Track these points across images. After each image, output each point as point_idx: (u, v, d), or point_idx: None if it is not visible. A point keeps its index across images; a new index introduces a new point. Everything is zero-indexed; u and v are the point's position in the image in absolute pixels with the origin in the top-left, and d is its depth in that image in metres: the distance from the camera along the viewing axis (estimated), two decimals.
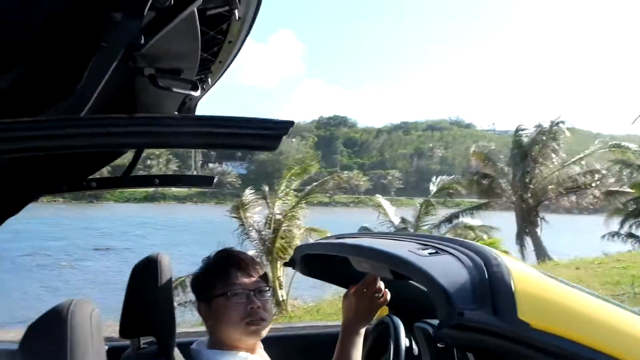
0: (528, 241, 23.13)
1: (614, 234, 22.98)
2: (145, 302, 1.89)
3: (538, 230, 23.22)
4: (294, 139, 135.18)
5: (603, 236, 23.30)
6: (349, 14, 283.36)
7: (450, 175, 23.54)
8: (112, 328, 2.05)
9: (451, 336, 1.14)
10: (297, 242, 14.77)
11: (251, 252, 14.85)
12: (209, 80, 1.88)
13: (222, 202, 71.76)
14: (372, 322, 2.16)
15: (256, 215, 15.62)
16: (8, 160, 1.57)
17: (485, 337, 1.13)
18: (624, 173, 22.97)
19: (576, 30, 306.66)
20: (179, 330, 1.96)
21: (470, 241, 1.47)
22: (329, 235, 13.92)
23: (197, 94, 1.72)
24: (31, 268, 28.07)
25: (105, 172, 2.43)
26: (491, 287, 1.16)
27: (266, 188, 16.87)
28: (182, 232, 44.83)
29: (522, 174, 23.20)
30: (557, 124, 23.57)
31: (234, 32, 1.62)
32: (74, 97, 1.30)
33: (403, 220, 19.47)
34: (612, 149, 23.29)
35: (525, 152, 23.46)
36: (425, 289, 1.26)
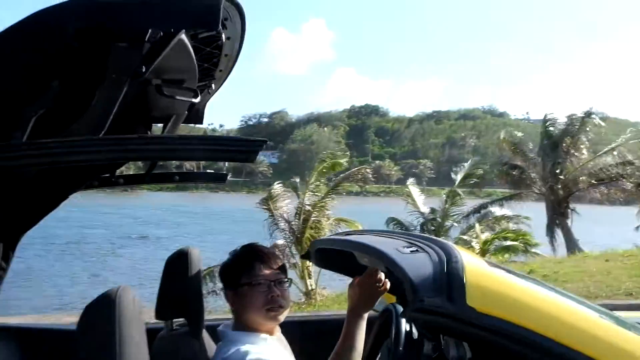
0: (558, 233, 22.87)
1: None
2: (178, 289, 2.20)
3: (568, 221, 22.89)
4: (325, 128, 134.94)
5: (637, 227, 23.02)
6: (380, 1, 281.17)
7: (483, 164, 23.35)
8: (147, 312, 2.37)
9: (414, 317, 1.47)
10: (326, 232, 14.96)
11: (280, 242, 15.17)
12: (213, 86, 2.16)
13: (253, 192, 72.38)
14: (378, 310, 2.45)
15: (285, 206, 15.84)
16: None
17: (441, 318, 1.44)
18: None
19: (611, 16, 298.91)
20: (214, 316, 2.28)
21: (444, 241, 1.76)
22: (357, 225, 14.13)
23: (196, 100, 2.02)
24: (71, 256, 28.92)
25: (131, 168, 2.78)
26: (448, 280, 1.46)
27: (297, 179, 17.14)
28: (215, 221, 45.69)
29: (553, 165, 22.87)
30: (590, 114, 23.21)
31: (227, 48, 1.88)
32: (95, 118, 1.59)
33: (432, 210, 19.42)
34: None
35: (555, 142, 23.10)
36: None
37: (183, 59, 1.69)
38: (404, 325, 2.32)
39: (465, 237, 17.51)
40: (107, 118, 1.55)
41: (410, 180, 22.03)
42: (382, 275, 2.09)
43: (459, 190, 19.70)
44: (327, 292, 14.57)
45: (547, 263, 14.18)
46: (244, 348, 2.04)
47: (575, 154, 23.11)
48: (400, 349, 2.24)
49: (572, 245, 21.47)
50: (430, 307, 1.43)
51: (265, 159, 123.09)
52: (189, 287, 2.22)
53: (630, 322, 1.92)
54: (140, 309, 1.73)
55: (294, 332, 2.38)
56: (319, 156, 16.90)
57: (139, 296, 1.76)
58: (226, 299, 2.24)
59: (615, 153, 22.89)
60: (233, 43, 1.86)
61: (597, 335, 1.47)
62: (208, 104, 2.30)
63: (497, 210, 20.77)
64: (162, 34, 1.47)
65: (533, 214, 21.69)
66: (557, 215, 22.94)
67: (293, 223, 15.53)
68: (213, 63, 1.96)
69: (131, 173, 2.74)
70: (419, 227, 19.14)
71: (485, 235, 17.02)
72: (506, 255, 16.73)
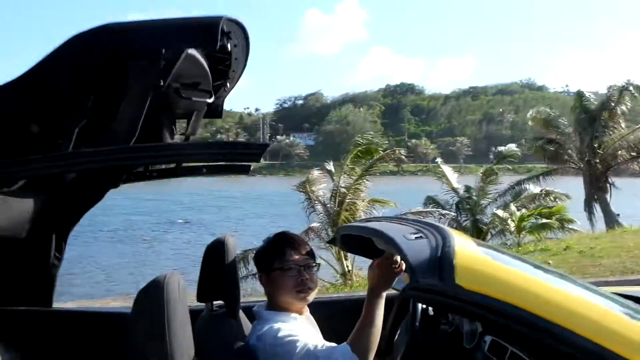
0: (597, 208, 22.46)
1: None
2: (216, 274, 2.45)
3: (607, 196, 22.46)
4: (361, 108, 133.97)
5: None
6: None
7: (520, 140, 23.05)
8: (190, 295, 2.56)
9: (411, 294, 1.74)
10: (361, 214, 15.14)
11: (316, 225, 15.42)
12: (228, 84, 2.41)
13: (290, 174, 72.72)
14: (398, 289, 2.69)
15: (321, 189, 16.03)
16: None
17: (433, 295, 1.72)
18: None
19: None
20: (253, 299, 2.56)
21: (444, 228, 2.00)
22: (391, 205, 14.23)
23: (210, 100, 2.31)
24: (119, 242, 29.78)
25: None
26: (440, 262, 1.71)
27: (331, 163, 17.19)
28: (254, 205, 46.38)
29: (591, 139, 22.41)
30: (627, 87, 22.65)
31: (236, 53, 2.13)
32: (125, 128, 1.88)
33: (467, 189, 19.38)
34: None
35: (593, 116, 22.68)
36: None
37: (195, 67, 1.96)
38: (421, 305, 2.56)
39: (500, 214, 17.42)
40: (136, 128, 1.84)
41: (440, 160, 21.89)
42: (397, 258, 2.16)
43: (495, 168, 19.56)
44: (364, 273, 14.72)
45: (583, 239, 14.07)
46: (276, 326, 2.27)
47: (614, 126, 22.60)
48: (417, 324, 2.49)
49: (610, 221, 21.04)
50: (424, 286, 1.69)
51: (301, 142, 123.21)
52: (226, 273, 2.45)
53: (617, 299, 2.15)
54: (185, 293, 1.95)
55: (322, 311, 2.63)
56: (354, 139, 16.76)
57: (184, 279, 2.00)
58: (260, 282, 2.50)
59: None
60: (239, 49, 2.11)
61: (570, 307, 1.70)
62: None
63: (534, 187, 20.45)
64: (170, 51, 1.74)
65: (571, 189, 21.36)
66: (596, 190, 22.46)
67: (328, 205, 15.70)
68: (226, 65, 2.19)
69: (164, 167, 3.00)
70: (454, 206, 19.26)
71: (521, 213, 16.95)
72: (542, 233, 16.68)
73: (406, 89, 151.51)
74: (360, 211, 15.40)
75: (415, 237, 1.92)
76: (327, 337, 2.39)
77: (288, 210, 18.58)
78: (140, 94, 1.78)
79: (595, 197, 22.48)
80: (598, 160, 22.45)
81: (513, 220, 16.55)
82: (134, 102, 1.80)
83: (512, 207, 17.46)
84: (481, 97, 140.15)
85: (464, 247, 1.79)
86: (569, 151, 23.13)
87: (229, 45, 1.86)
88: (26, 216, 2.48)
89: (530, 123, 23.48)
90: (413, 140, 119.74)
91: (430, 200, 19.78)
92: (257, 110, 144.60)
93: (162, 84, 1.76)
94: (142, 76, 1.75)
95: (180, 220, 37.27)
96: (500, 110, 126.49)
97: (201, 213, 42.18)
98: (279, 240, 2.48)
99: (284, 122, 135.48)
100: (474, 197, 18.91)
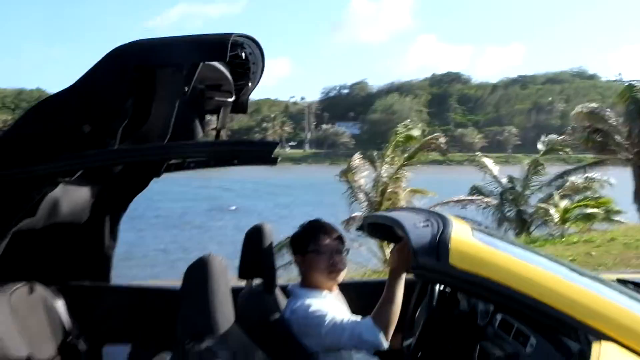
0: None
1: None
2: (255, 256, 2.76)
3: None
4: (407, 97, 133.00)
5: None
6: None
7: (569, 130, 22.56)
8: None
9: (414, 272, 2.11)
10: (403, 203, 15.31)
11: (358, 214, 15.58)
12: (250, 84, 2.64)
13: (336, 163, 72.95)
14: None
15: (363, 178, 16.16)
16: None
17: (431, 273, 2.03)
18: None
19: None
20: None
21: (448, 217, 2.29)
22: (430, 195, 14.31)
23: (230, 99, 2.65)
24: (171, 227, 30.88)
25: None
26: (437, 246, 2.01)
27: (374, 153, 17.37)
28: (300, 193, 47.03)
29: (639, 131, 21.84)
30: None
31: (252, 58, 2.41)
32: (160, 127, 2.17)
33: (510, 179, 19.40)
34: None
35: None
36: None
37: (215, 73, 2.29)
38: (438, 285, 2.85)
39: (544, 205, 17.36)
40: (168, 126, 2.17)
41: (479, 154, 21.72)
42: None
43: (543, 159, 19.44)
44: None
45: (630, 231, 13.88)
46: (307, 301, 2.55)
47: None
48: (434, 303, 2.77)
49: None
50: (423, 265, 2.00)
51: (346, 130, 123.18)
52: (264, 254, 2.74)
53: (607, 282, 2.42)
54: (225, 270, 2.18)
55: (352, 291, 2.94)
56: (396, 128, 16.70)
57: (231, 264, 2.26)
58: (295, 262, 2.81)
59: None
60: (256, 55, 2.40)
61: (553, 287, 1.97)
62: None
63: (579, 178, 20.08)
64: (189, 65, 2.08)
65: (619, 180, 20.96)
66: None
67: (370, 195, 15.88)
68: (246, 68, 2.45)
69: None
70: (499, 196, 19.26)
71: (565, 204, 16.86)
72: (588, 224, 16.51)
73: (453, 78, 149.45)
74: (402, 200, 15.59)
75: (423, 226, 2.19)
76: (354, 313, 2.64)
77: (332, 199, 18.84)
78: (168, 98, 2.07)
79: None
80: None
81: (557, 211, 16.47)
82: (164, 105, 2.10)
83: (556, 197, 17.33)
84: (530, 86, 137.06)
85: (459, 233, 2.10)
86: (617, 142, 22.54)
87: (243, 54, 2.18)
88: (84, 204, 2.91)
89: (574, 120, 22.88)
90: (459, 130, 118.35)
91: (475, 190, 19.81)
92: (302, 99, 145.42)
93: (186, 89, 2.06)
94: (169, 83, 2.05)
95: (232, 208, 38.12)
96: (550, 99, 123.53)
97: (249, 200, 43.26)
98: (313, 226, 2.76)
99: (329, 111, 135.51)
100: (517, 188, 18.89)
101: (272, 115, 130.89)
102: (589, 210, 16.47)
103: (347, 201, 16.21)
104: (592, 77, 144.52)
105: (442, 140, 17.61)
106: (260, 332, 2.44)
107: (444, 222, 2.18)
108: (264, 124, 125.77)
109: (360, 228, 3.34)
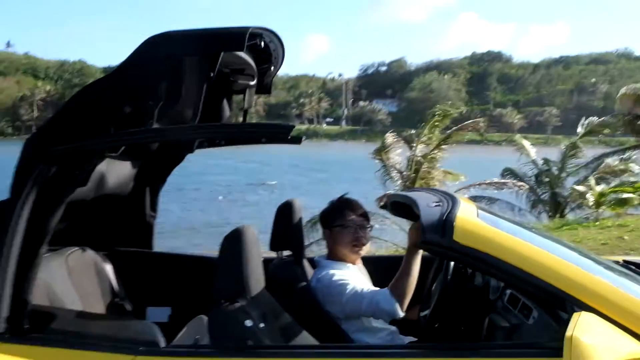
0: None
1: None
2: (285, 229, 2.99)
3: None
4: (445, 76, 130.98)
5: None
6: None
7: (612, 112, 22.08)
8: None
9: (422, 247, 2.34)
10: (436, 183, 15.31)
11: (391, 192, 15.69)
12: (272, 69, 2.84)
13: (372, 140, 72.76)
14: None
15: (397, 156, 16.22)
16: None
17: (437, 248, 2.20)
18: None
19: None
20: None
21: (457, 198, 2.47)
22: (460, 177, 14.35)
23: (252, 83, 2.80)
24: (210, 201, 31.39)
25: None
26: (444, 224, 2.17)
27: (411, 132, 17.44)
28: (336, 169, 47.27)
29: None
30: None
31: (272, 45, 2.59)
32: (189, 109, 2.37)
33: (546, 161, 19.13)
34: None
35: None
36: None
37: (238, 59, 2.46)
38: (453, 262, 2.98)
39: (579, 188, 17.14)
40: (198, 107, 2.36)
41: (518, 136, 21.41)
42: None
43: (581, 141, 19.12)
44: None
45: None
46: (331, 272, 2.76)
47: None
48: (448, 278, 2.92)
49: None
50: (430, 240, 2.17)
51: (384, 108, 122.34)
52: (293, 228, 2.97)
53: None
54: (257, 241, 2.33)
55: (374, 265, 3.17)
56: (431, 110, 16.53)
57: (265, 239, 2.48)
58: (323, 236, 3.04)
59: None
60: (275, 43, 2.63)
61: (544, 262, 2.14)
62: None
63: (615, 160, 19.67)
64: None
65: None
66: None
67: (405, 173, 15.92)
68: (268, 54, 2.66)
69: None
70: (533, 178, 19.09)
71: (601, 187, 16.62)
72: (624, 208, 16.25)
73: (493, 57, 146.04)
74: (435, 180, 15.59)
75: (435, 205, 2.37)
76: (375, 285, 2.83)
77: (367, 176, 18.95)
78: (196, 82, 2.25)
79: None
80: None
81: (593, 195, 16.26)
82: (193, 88, 2.26)
83: (592, 181, 17.09)
84: (573, 66, 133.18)
85: (465, 212, 2.28)
86: None
87: (262, 43, 2.40)
88: (127, 178, 3.19)
89: (618, 103, 22.20)
90: (498, 110, 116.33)
91: (508, 172, 19.62)
92: (340, 75, 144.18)
93: (211, 74, 2.24)
94: (196, 69, 2.23)
95: (271, 182, 38.46)
96: (593, 80, 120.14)
97: (286, 175, 43.82)
98: (340, 202, 2.99)
99: (366, 88, 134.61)
100: (553, 170, 18.69)
101: (310, 91, 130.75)
102: (625, 195, 16.18)
103: (381, 179, 16.27)
104: (639, 58, 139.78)
105: (482, 124, 17.35)
106: (288, 298, 2.63)
107: (454, 201, 2.37)
108: (302, 100, 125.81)
109: (384, 206, 3.52)
